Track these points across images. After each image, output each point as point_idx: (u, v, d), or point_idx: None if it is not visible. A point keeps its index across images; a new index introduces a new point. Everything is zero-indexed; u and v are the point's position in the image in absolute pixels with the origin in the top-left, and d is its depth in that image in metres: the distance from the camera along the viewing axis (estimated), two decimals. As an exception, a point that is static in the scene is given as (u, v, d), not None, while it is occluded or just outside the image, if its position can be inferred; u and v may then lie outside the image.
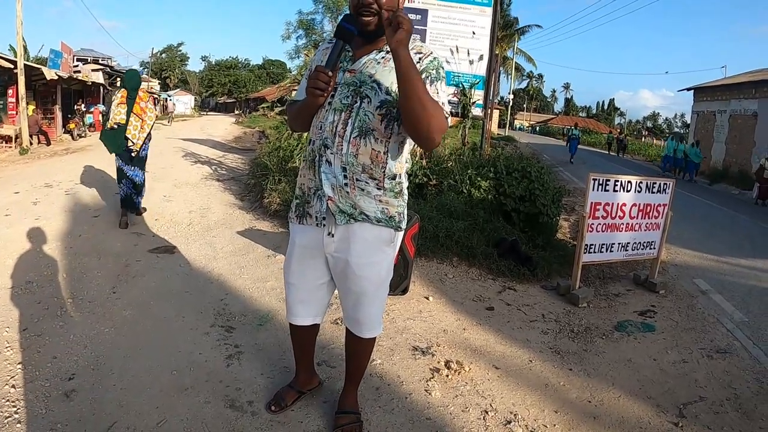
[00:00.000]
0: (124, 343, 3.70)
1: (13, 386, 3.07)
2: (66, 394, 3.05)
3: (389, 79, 2.35)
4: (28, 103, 16.68)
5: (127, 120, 6.69)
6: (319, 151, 2.46)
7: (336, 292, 2.83)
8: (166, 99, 49.92)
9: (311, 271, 2.70)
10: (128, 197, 6.95)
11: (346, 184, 2.43)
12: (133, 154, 6.86)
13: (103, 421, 2.83)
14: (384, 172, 2.46)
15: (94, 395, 3.06)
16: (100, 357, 3.49)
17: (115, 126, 6.69)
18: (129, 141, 6.74)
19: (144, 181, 7.25)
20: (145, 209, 7.51)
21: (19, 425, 2.73)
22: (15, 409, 2.87)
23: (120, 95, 6.84)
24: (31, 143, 16.49)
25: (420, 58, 2.35)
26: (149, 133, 7.05)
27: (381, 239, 2.55)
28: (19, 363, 3.31)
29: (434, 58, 2.40)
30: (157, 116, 8.38)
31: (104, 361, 3.44)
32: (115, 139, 6.71)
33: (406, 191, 2.64)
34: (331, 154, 2.42)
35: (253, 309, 4.49)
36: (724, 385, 4.11)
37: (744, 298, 6.41)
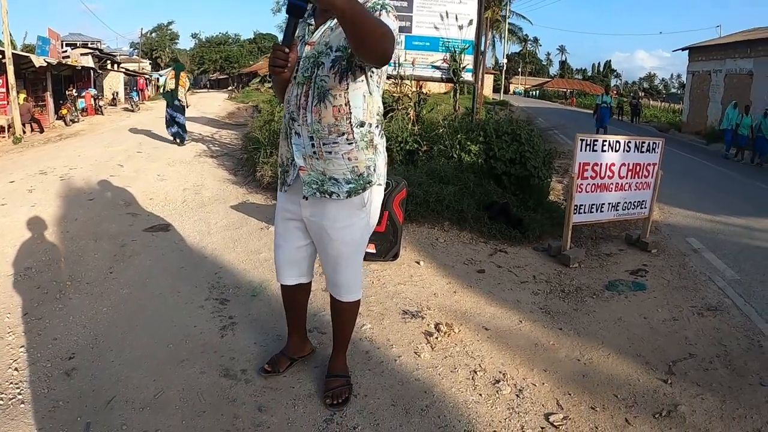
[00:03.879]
0: (122, 321, 3.76)
1: (16, 369, 3.13)
2: (67, 373, 3.11)
3: (339, 38, 2.44)
4: (18, 92, 16.57)
5: (176, 87, 12.75)
6: (288, 125, 2.60)
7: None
8: (157, 79, 49.71)
9: (293, 232, 2.83)
10: (178, 133, 12.86)
11: (314, 153, 2.54)
12: (176, 102, 12.66)
13: (102, 396, 2.90)
14: (350, 122, 2.52)
15: (94, 372, 3.12)
16: (99, 335, 3.55)
17: (169, 90, 12.88)
18: (175, 99, 12.65)
19: (185, 123, 12.98)
20: (186, 141, 12.95)
21: (23, 405, 2.80)
22: (18, 390, 2.93)
23: (171, 74, 13.22)
24: (24, 132, 16.41)
25: (365, 1, 2.43)
26: (185, 95, 12.93)
27: (353, 204, 2.64)
28: (21, 347, 3.37)
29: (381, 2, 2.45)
30: (187, 86, 13.38)
31: (103, 339, 3.51)
32: (169, 97, 12.83)
33: (379, 144, 2.69)
34: (298, 125, 2.54)
35: (246, 281, 4.55)
36: (715, 342, 4.16)
37: (736, 256, 6.46)
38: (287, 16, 2.35)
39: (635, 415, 3.12)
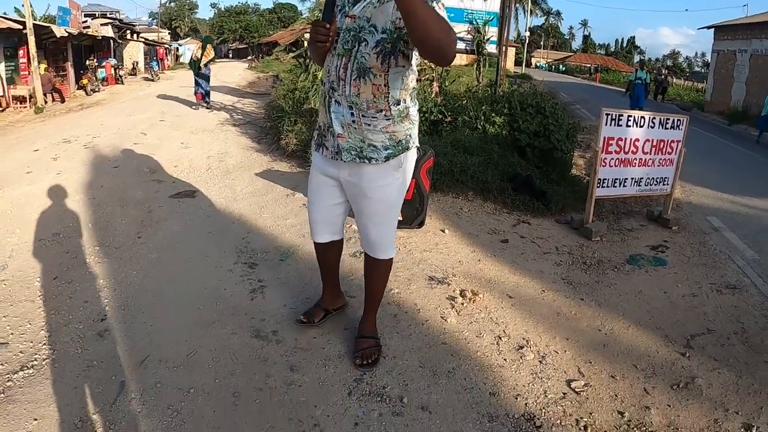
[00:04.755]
0: (152, 284, 3.85)
1: (48, 331, 3.22)
2: (99, 334, 3.20)
3: (383, 19, 2.48)
4: (39, 62, 16.62)
5: (201, 57, 13.89)
6: (328, 93, 2.66)
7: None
8: (177, 48, 49.68)
9: (327, 191, 2.93)
10: (204, 97, 14.09)
11: (353, 122, 2.61)
12: (200, 71, 13.83)
13: (135, 355, 2.99)
14: (388, 101, 2.59)
15: (126, 333, 3.21)
16: (129, 298, 3.64)
17: (194, 59, 14.23)
18: (199, 67, 13.79)
19: (209, 89, 14.31)
20: (212, 107, 14.06)
21: (57, 365, 2.89)
22: (52, 351, 3.02)
23: (198, 46, 15.60)
24: (45, 102, 16.51)
25: None
26: (208, 64, 13.98)
27: (390, 166, 2.72)
28: (52, 310, 3.45)
29: None
30: (211, 56, 14.30)
31: (133, 301, 3.59)
32: (193, 65, 14.20)
33: (414, 114, 2.77)
34: (339, 95, 2.60)
35: (274, 245, 4.62)
36: (732, 319, 4.18)
37: (757, 236, 6.42)
38: None
39: (653, 386, 3.17)
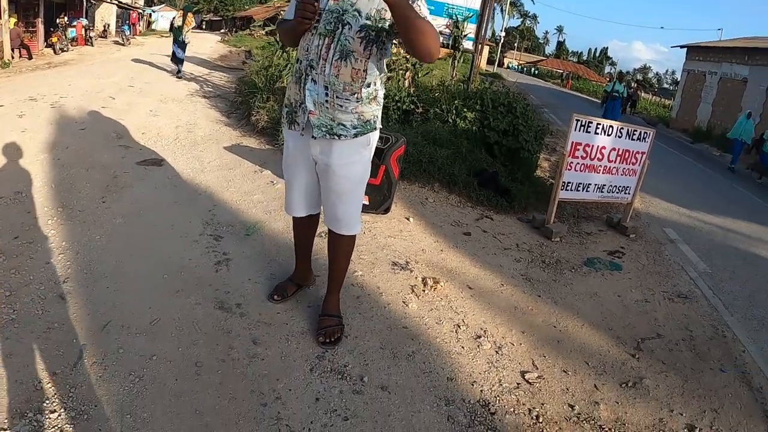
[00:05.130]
0: (116, 250, 3.80)
1: (8, 290, 3.15)
2: (61, 296, 3.16)
3: (368, 5, 2.58)
4: (9, 16, 16.23)
5: (182, 25, 14.24)
6: (305, 71, 2.70)
7: None
8: (150, 14, 48.70)
9: (302, 168, 2.99)
10: (177, 64, 14.24)
11: (326, 101, 2.68)
12: (180, 39, 14.09)
13: (98, 320, 2.97)
14: (362, 84, 2.69)
15: (88, 297, 3.18)
16: (92, 262, 3.59)
17: (177, 27, 14.55)
18: (180, 36, 14.12)
19: (184, 57, 14.40)
20: (182, 76, 13.97)
21: (17, 326, 2.84)
22: (12, 310, 2.97)
23: (180, 14, 15.23)
24: (12, 57, 16.11)
25: None
26: (188, 33, 14.36)
27: (358, 143, 2.82)
28: (12, 269, 3.38)
29: None
30: (191, 25, 14.87)
31: (96, 265, 3.55)
32: (177, 32, 14.37)
33: (380, 96, 2.87)
34: (316, 74, 2.65)
35: (240, 220, 4.61)
36: (682, 327, 4.39)
37: (710, 251, 6.68)
38: None
39: (603, 383, 3.33)
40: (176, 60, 14.36)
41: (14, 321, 2.89)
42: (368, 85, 2.71)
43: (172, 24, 16.36)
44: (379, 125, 2.90)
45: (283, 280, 3.52)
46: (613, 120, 15.02)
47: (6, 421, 2.27)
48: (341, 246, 3.09)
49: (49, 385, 2.49)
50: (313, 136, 2.77)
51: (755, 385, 3.73)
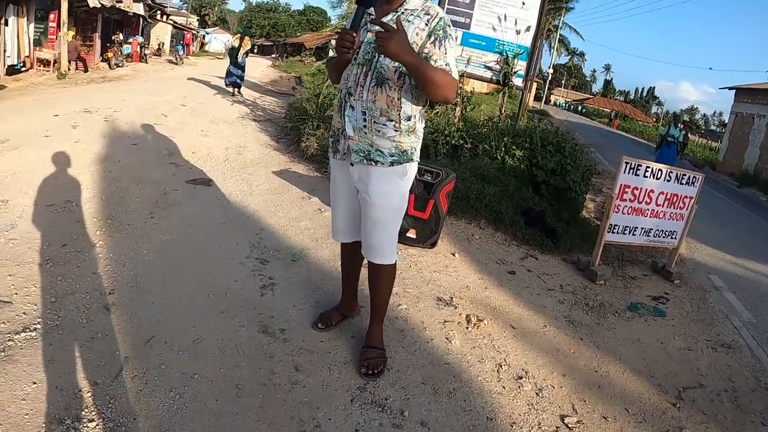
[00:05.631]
0: (163, 266, 3.86)
1: (54, 297, 3.23)
2: (105, 307, 3.21)
3: None
4: (69, 29, 16.80)
5: (239, 47, 15.38)
6: (344, 98, 2.83)
7: None
8: (203, 36, 49.93)
9: (345, 195, 3.08)
10: (235, 83, 15.35)
11: (365, 126, 2.78)
12: (238, 59, 15.19)
13: (141, 334, 3.01)
14: (399, 114, 2.77)
15: (133, 310, 3.23)
16: (139, 276, 3.65)
17: (233, 48, 15.60)
18: (237, 57, 15.16)
19: (243, 76, 15.68)
20: (241, 94, 15.40)
21: (60, 333, 2.90)
22: (57, 316, 3.03)
23: (237, 36, 16.74)
24: (69, 69, 16.66)
25: (428, 20, 2.69)
26: (246, 54, 15.60)
27: (395, 173, 2.86)
28: (59, 276, 3.45)
29: (441, 18, 2.72)
30: (249, 49, 16.34)
31: (143, 280, 3.61)
32: (232, 54, 15.37)
33: (420, 130, 2.93)
34: (354, 100, 2.78)
35: (286, 245, 4.65)
36: (724, 377, 4.24)
37: (756, 300, 6.48)
38: (356, 5, 2.65)
39: (643, 431, 3.23)
40: (232, 80, 15.28)
41: (58, 327, 2.95)
42: (408, 118, 2.79)
43: (229, 47, 16.80)
44: (416, 158, 2.94)
45: (327, 308, 3.54)
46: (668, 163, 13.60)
47: (44, 425, 2.31)
48: (378, 275, 3.11)
49: (89, 394, 2.52)
50: (351, 163, 2.86)
51: (799, 443, 3.58)
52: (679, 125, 16.80)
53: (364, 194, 2.89)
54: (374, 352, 3.12)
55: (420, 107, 2.87)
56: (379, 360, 3.10)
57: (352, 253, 3.30)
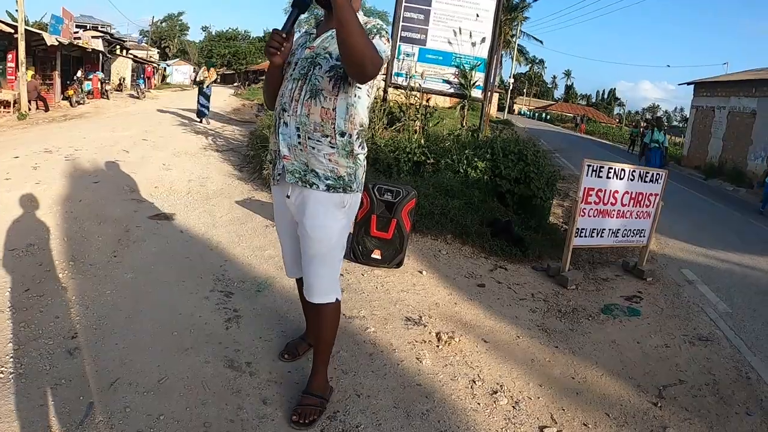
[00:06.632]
0: (126, 305, 3.78)
1: (17, 344, 3.14)
2: (69, 351, 3.14)
3: None
4: (27, 69, 16.63)
5: (204, 79, 16.57)
6: (278, 115, 2.71)
7: None
8: (164, 68, 49.78)
9: (288, 229, 2.95)
10: (201, 112, 16.34)
11: (299, 143, 2.65)
12: (204, 90, 16.33)
13: (106, 377, 2.93)
14: (334, 128, 2.64)
15: (97, 353, 3.15)
16: (102, 317, 3.57)
17: (200, 80, 17.01)
18: (203, 87, 16.40)
19: (208, 106, 16.66)
20: (209, 122, 16.34)
21: (24, 380, 2.82)
22: (20, 364, 2.95)
23: (204, 69, 17.59)
24: (29, 108, 16.46)
25: (366, 22, 2.60)
26: (210, 85, 16.65)
27: (332, 202, 2.70)
28: (21, 322, 3.37)
29: (377, 21, 2.66)
30: (215, 80, 18.02)
31: (106, 321, 3.53)
32: (199, 85, 16.69)
33: (360, 157, 2.78)
34: (288, 116, 2.65)
35: (251, 276, 4.59)
36: (704, 371, 4.27)
37: (729, 290, 6.56)
38: (291, 7, 2.59)
39: (626, 434, 3.20)
40: (202, 107, 16.43)
41: (22, 375, 2.87)
42: (342, 134, 2.65)
43: (196, 79, 18.77)
44: (356, 188, 2.77)
45: (294, 338, 3.47)
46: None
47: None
48: (318, 316, 2.91)
49: (55, 443, 2.42)
50: (288, 196, 2.75)
51: (783, 428, 3.60)
52: (662, 129, 15.72)
53: (300, 226, 2.75)
54: (311, 400, 2.87)
55: (358, 125, 2.70)
56: (314, 408, 2.84)
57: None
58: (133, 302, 3.85)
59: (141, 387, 2.89)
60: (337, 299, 2.90)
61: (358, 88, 2.67)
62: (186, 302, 3.95)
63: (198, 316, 3.76)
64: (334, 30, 2.56)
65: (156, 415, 2.69)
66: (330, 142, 2.64)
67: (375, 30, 2.58)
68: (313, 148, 2.63)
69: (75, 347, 3.19)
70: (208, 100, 16.62)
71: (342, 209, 2.74)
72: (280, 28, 2.58)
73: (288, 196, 2.75)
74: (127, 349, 3.23)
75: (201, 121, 16.26)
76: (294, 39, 2.78)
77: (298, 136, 2.64)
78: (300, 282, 3.10)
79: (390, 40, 2.69)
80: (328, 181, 2.67)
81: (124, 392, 2.83)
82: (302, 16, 2.77)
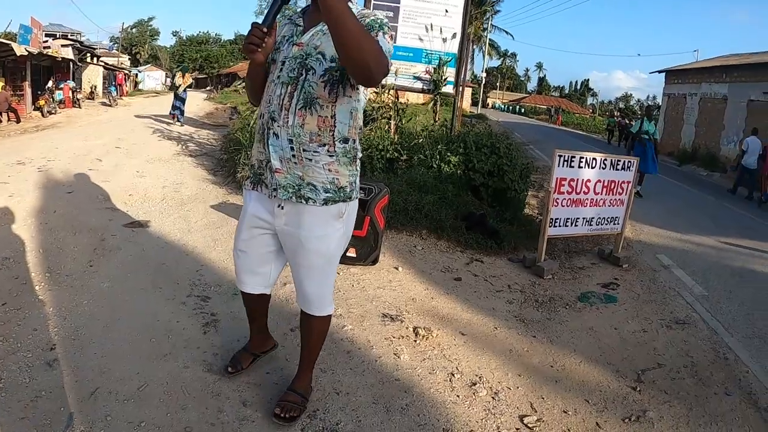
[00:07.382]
0: (103, 314, 3.76)
1: (-5, 358, 3.11)
2: (48, 363, 3.11)
3: (333, 48, 2.19)
4: (-3, 80, 16.43)
5: (180, 83, 17.67)
6: (267, 125, 2.46)
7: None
8: (136, 75, 49.33)
9: (260, 239, 2.73)
10: (178, 116, 17.32)
11: (293, 156, 2.44)
12: (180, 93, 17.48)
13: (85, 387, 2.92)
14: (333, 135, 2.46)
15: (76, 364, 3.13)
16: (80, 328, 3.55)
17: (177, 85, 17.86)
18: (178, 91, 17.59)
19: (183, 109, 17.76)
20: (182, 123, 17.32)
21: (4, 394, 2.79)
22: (-1, 379, 2.93)
23: (180, 73, 18.49)
24: (0, 120, 16.23)
25: (363, 17, 2.34)
26: (185, 89, 17.78)
27: (330, 213, 2.55)
28: (0, 337, 3.34)
29: (375, 15, 2.40)
30: (190, 84, 18.72)
31: (84, 331, 3.51)
32: (175, 89, 17.75)
33: (359, 160, 2.64)
34: (278, 126, 2.42)
35: (227, 279, 4.57)
36: (682, 353, 4.34)
37: (704, 273, 6.68)
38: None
39: (605, 420, 3.26)
40: (176, 111, 17.53)
41: (2, 390, 2.83)
42: (345, 140, 2.48)
43: (172, 83, 20.22)
44: (355, 195, 2.63)
45: (238, 350, 3.31)
46: (649, 171, 12.04)
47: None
48: (313, 327, 2.83)
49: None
50: (280, 206, 2.55)
51: (762, 405, 3.68)
52: (652, 119, 14.44)
53: (295, 239, 2.57)
54: (294, 397, 2.85)
55: (358, 129, 2.55)
56: (296, 406, 2.81)
57: (257, 301, 3.01)
58: (111, 311, 3.82)
59: (121, 395, 2.88)
60: (332, 311, 2.86)
61: (357, 90, 2.49)
62: (163, 308, 3.94)
63: (176, 321, 3.75)
64: (323, 24, 2.37)
65: (137, 422, 2.68)
66: (328, 151, 2.45)
67: (377, 26, 2.33)
68: (310, 159, 2.44)
69: (54, 359, 3.16)
70: (184, 104, 17.80)
71: (340, 219, 2.59)
72: (261, 23, 2.33)
73: (281, 207, 2.55)
74: (105, 358, 3.21)
75: (173, 120, 17.64)
76: (277, 31, 2.52)
77: (291, 148, 2.42)
78: (251, 297, 2.96)
79: (392, 36, 2.51)
80: (327, 194, 2.50)
81: (105, 401, 2.82)
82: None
